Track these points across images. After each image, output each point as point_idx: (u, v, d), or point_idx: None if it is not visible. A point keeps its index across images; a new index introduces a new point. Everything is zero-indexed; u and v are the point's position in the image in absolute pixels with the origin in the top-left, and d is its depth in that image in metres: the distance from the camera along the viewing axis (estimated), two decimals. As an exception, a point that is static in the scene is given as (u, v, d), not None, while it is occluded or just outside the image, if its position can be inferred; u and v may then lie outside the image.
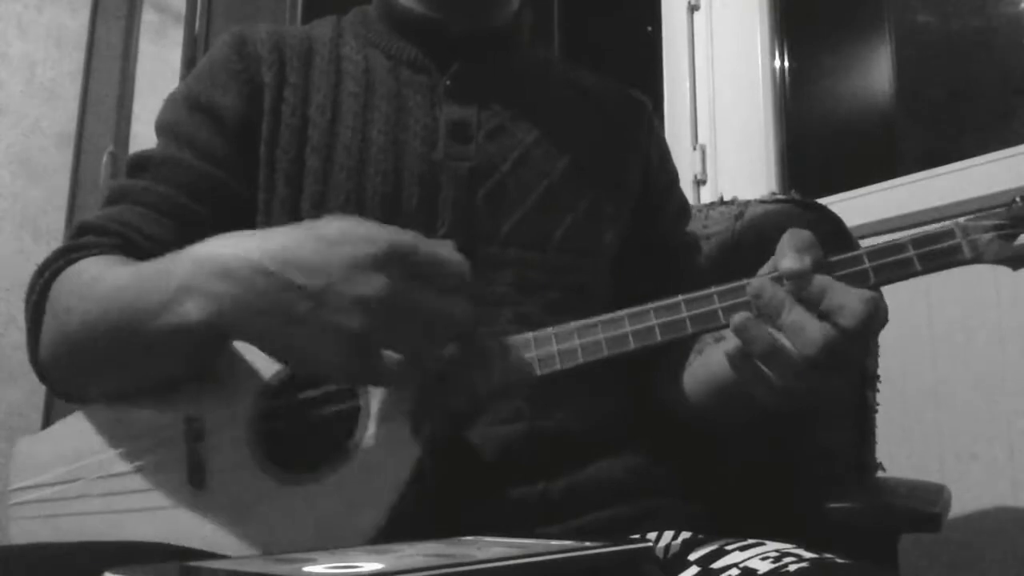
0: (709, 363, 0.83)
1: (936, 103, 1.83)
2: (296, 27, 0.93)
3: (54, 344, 0.75)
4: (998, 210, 0.65)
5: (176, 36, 2.30)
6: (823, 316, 0.62)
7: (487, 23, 0.90)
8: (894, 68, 1.85)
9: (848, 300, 0.61)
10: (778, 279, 0.64)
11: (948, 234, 0.65)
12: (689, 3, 1.99)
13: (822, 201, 1.12)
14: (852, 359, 0.64)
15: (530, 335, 0.68)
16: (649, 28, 2.10)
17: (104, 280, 0.72)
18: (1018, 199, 0.65)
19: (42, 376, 0.79)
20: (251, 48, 0.87)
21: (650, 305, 0.68)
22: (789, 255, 0.64)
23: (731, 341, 0.66)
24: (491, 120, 0.86)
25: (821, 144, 1.97)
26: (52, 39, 2.26)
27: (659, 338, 0.67)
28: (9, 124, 2.18)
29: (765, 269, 0.66)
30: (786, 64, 1.93)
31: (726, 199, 1.16)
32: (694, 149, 1.93)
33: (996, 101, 1.68)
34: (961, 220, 0.65)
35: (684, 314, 0.66)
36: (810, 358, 0.61)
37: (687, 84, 1.97)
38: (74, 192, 2.24)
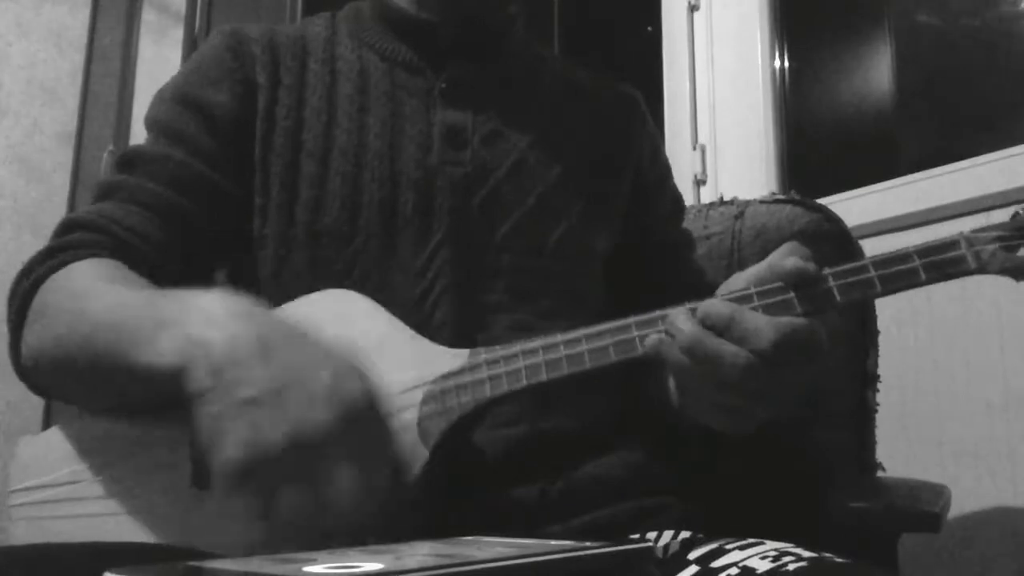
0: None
1: (936, 103, 1.83)
2: (289, 26, 0.92)
3: (37, 351, 0.74)
4: (1002, 222, 0.66)
5: (176, 36, 2.30)
6: (736, 343, 0.63)
7: (481, 25, 0.89)
8: (894, 68, 1.85)
9: (759, 324, 0.62)
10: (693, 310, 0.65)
11: (953, 244, 0.65)
12: (689, 3, 1.99)
13: (822, 201, 1.12)
14: (782, 384, 0.64)
15: (538, 341, 0.68)
16: (649, 28, 2.10)
17: (91, 298, 0.70)
18: (1021, 211, 0.66)
19: (23, 377, 0.78)
20: (245, 47, 0.86)
21: (657, 312, 0.68)
22: (793, 259, 0.65)
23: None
24: (486, 125, 0.86)
25: (821, 144, 1.97)
26: (52, 39, 2.25)
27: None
28: (9, 124, 2.18)
29: (750, 275, 0.67)
30: (786, 64, 1.93)
31: (726, 199, 1.16)
32: (694, 149, 1.93)
33: (996, 101, 1.68)
34: (966, 231, 0.66)
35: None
36: (768, 354, 0.62)
37: (687, 84, 1.97)
38: (74, 191, 2.24)
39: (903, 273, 0.65)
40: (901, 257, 0.65)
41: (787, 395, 0.65)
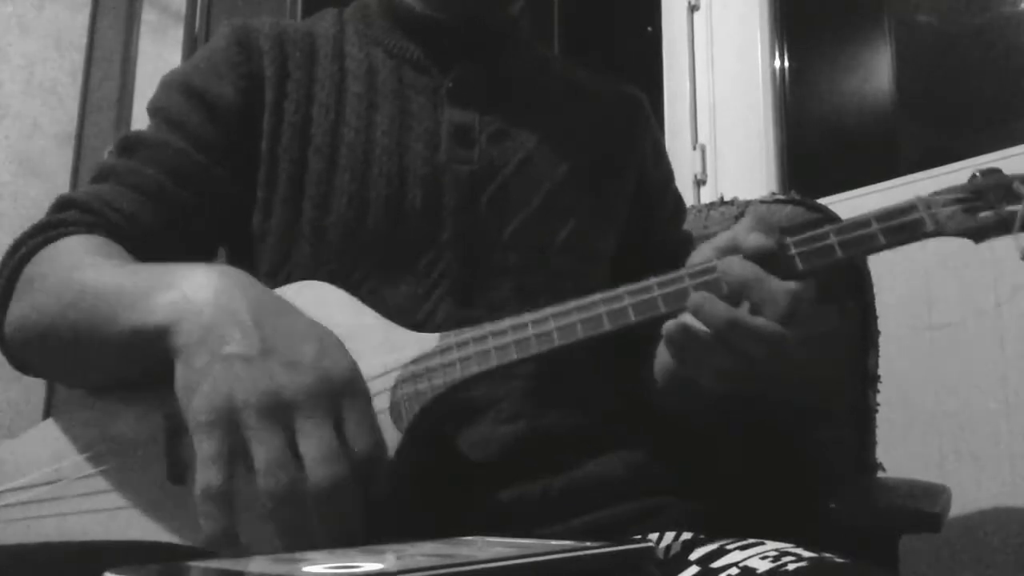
0: (662, 352, 0.83)
1: (936, 103, 1.83)
2: (297, 22, 0.92)
3: (20, 320, 0.75)
4: (959, 184, 0.68)
5: (176, 36, 2.30)
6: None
7: (483, 24, 0.89)
8: (894, 68, 1.85)
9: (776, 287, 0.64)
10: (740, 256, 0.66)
11: (911, 208, 0.67)
12: (689, 3, 1.99)
13: (822, 201, 1.12)
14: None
15: (507, 322, 0.68)
16: (649, 28, 2.10)
17: (79, 267, 0.71)
18: (977, 173, 0.68)
19: (4, 350, 0.78)
20: (253, 41, 0.86)
21: (623, 288, 0.68)
22: (755, 234, 0.66)
23: (670, 326, 0.67)
24: (492, 124, 0.86)
25: (821, 144, 1.97)
26: (52, 39, 2.25)
27: (632, 318, 0.67)
28: (9, 124, 2.18)
29: (708, 251, 0.68)
30: (786, 64, 1.93)
31: (726, 199, 1.16)
32: (694, 149, 1.93)
33: (996, 101, 1.68)
34: (923, 195, 0.68)
35: (656, 293, 0.68)
36: (783, 322, 0.63)
37: (687, 84, 1.97)
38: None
39: (862, 238, 0.66)
40: (860, 223, 0.67)
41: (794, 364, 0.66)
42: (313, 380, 0.57)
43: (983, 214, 0.67)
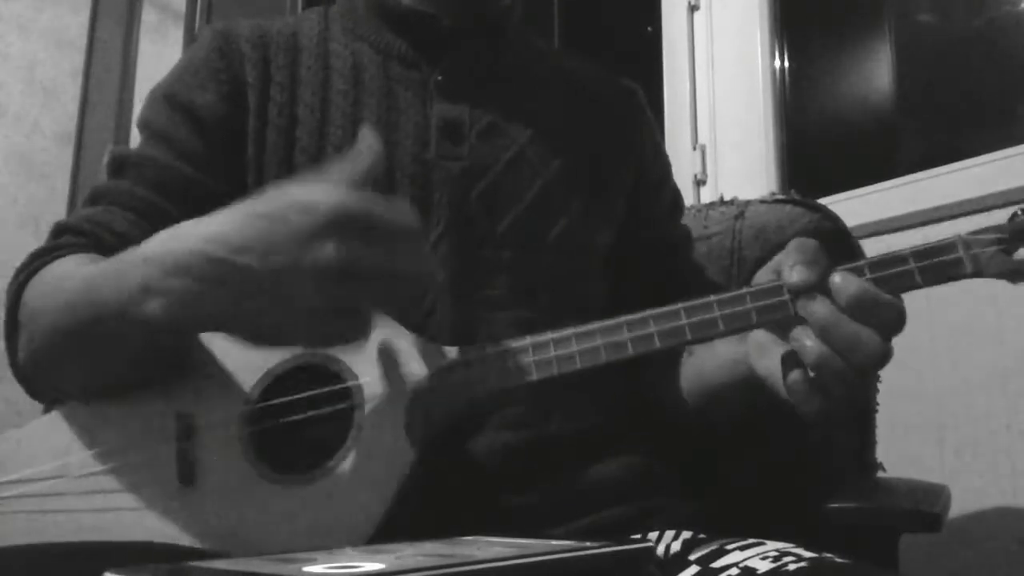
0: (702, 365, 0.83)
1: (936, 103, 1.83)
2: (280, 20, 0.90)
3: (28, 346, 0.75)
4: (1000, 224, 0.65)
5: (176, 36, 2.30)
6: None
7: (477, 16, 0.88)
8: (894, 68, 1.85)
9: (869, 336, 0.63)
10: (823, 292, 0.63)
11: (950, 247, 0.64)
12: (689, 3, 1.98)
13: (822, 201, 1.12)
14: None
15: (528, 340, 0.67)
16: (649, 28, 2.10)
17: (70, 278, 0.71)
18: (1019, 212, 0.65)
19: (22, 380, 0.78)
20: (233, 45, 0.85)
21: (649, 312, 0.66)
22: (799, 267, 0.63)
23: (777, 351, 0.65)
24: (483, 118, 0.85)
25: (821, 144, 1.97)
26: (52, 39, 2.25)
27: (658, 344, 0.66)
28: (9, 124, 2.18)
29: (764, 275, 0.66)
30: (786, 64, 1.93)
31: (726, 199, 1.16)
32: (694, 149, 1.92)
33: (996, 101, 1.68)
34: (963, 234, 0.65)
35: (683, 321, 0.65)
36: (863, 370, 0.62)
37: (687, 84, 1.96)
38: (74, 192, 2.24)
39: (899, 275, 0.64)
40: (897, 259, 0.64)
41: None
42: (321, 243, 0.55)
43: (1020, 254, 0.64)
